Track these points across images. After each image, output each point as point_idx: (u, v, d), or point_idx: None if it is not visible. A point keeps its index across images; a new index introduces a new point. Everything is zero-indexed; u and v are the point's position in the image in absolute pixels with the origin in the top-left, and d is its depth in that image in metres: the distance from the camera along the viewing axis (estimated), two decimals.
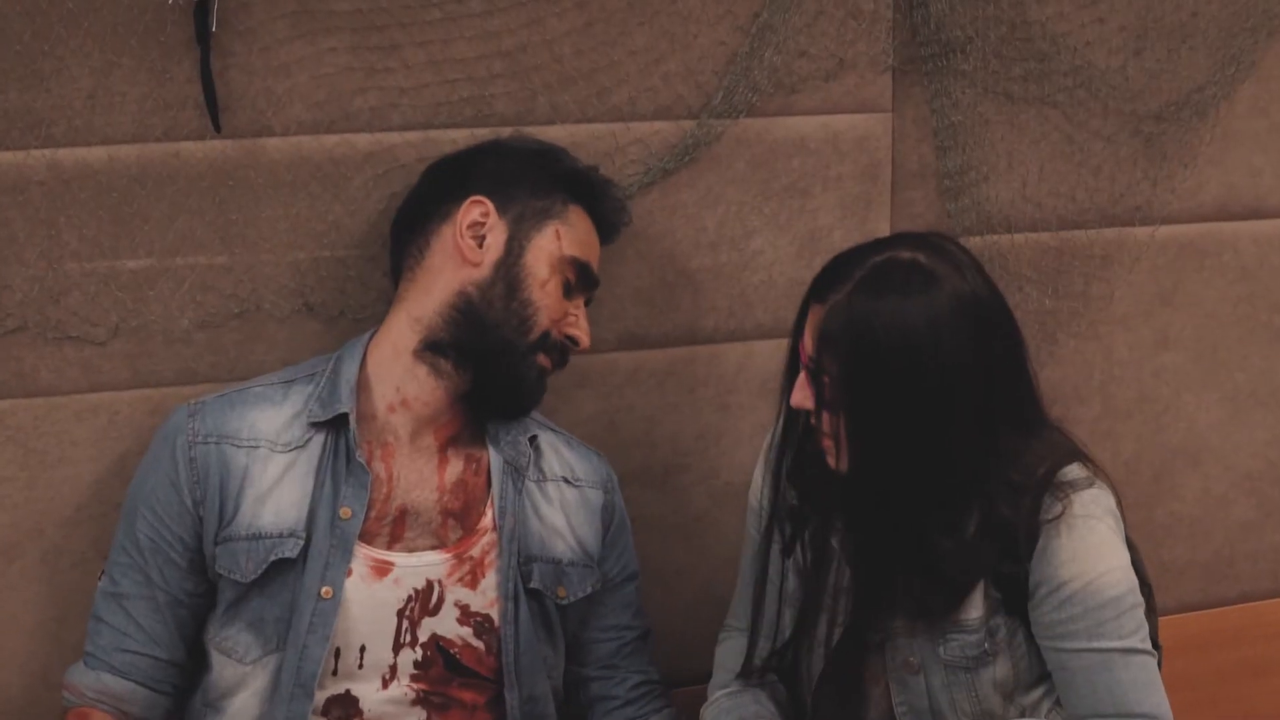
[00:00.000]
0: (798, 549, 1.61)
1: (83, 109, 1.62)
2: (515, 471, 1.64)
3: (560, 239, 1.63)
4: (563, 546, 1.68)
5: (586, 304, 1.69)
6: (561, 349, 1.65)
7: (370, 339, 1.65)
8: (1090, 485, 1.50)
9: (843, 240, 1.89)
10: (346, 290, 1.75)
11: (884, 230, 1.94)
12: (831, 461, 1.51)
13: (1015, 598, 1.52)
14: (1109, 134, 2.02)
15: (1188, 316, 2.15)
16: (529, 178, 1.65)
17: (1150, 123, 2.04)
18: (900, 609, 1.55)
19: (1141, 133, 2.04)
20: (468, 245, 1.61)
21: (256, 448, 1.59)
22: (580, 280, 1.66)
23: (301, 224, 1.72)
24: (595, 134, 1.80)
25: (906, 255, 1.47)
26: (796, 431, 1.58)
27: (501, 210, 1.62)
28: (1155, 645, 1.56)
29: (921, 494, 1.48)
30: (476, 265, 1.61)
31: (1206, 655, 2.21)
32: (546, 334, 1.63)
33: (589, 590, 1.69)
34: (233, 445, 1.59)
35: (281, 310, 1.74)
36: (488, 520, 1.63)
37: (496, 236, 1.62)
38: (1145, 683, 1.48)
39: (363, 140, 1.72)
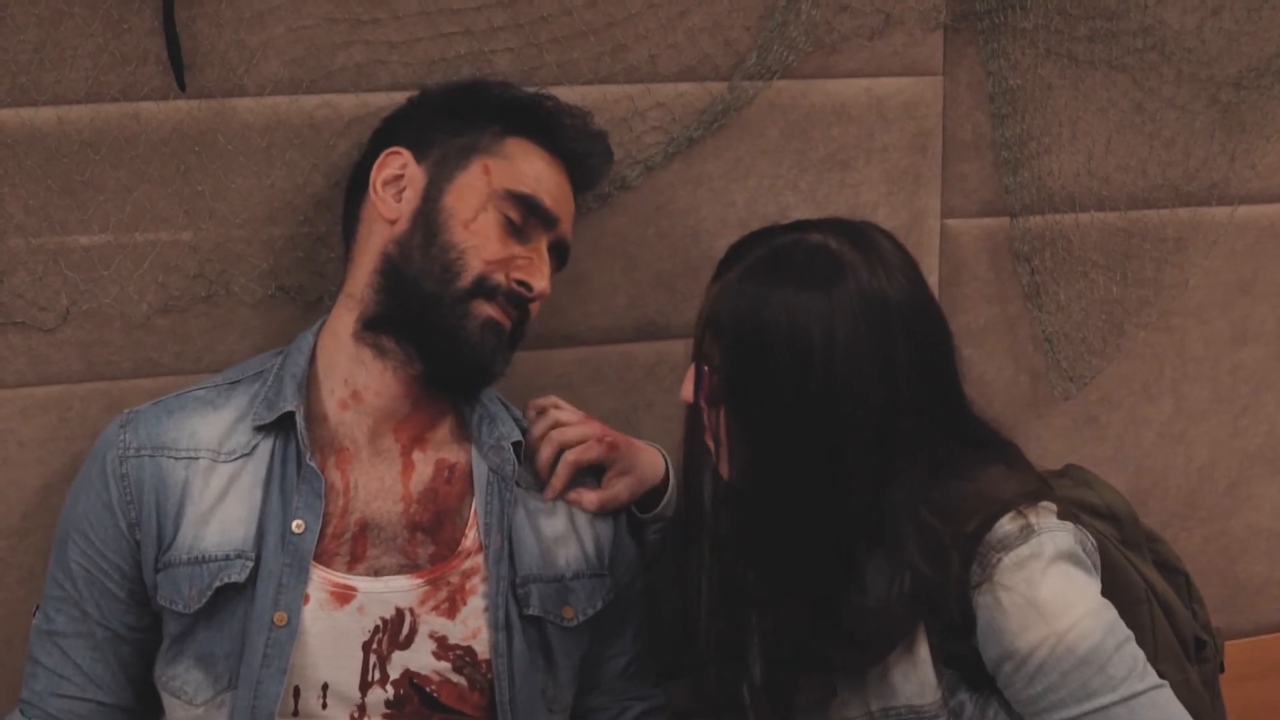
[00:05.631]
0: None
1: (29, 64, 1.56)
2: (502, 481, 1.53)
3: (489, 173, 1.51)
4: (566, 556, 1.56)
5: (554, 252, 1.55)
6: (513, 297, 1.51)
7: (319, 330, 1.57)
8: (1025, 539, 1.35)
9: (887, 218, 1.82)
10: (326, 273, 1.68)
11: (934, 207, 1.89)
12: (720, 466, 1.44)
13: (974, 673, 1.39)
14: (1183, 102, 1.95)
15: (1269, 307, 2.09)
16: (450, 115, 1.54)
17: (1229, 90, 1.97)
18: (799, 659, 1.45)
19: (1219, 101, 1.97)
20: (384, 202, 1.52)
21: (197, 459, 1.49)
22: (528, 217, 1.52)
23: (277, 196, 1.66)
24: (610, 96, 1.73)
25: (815, 239, 1.40)
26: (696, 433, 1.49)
27: (420, 157, 1.53)
28: (1201, 642, 1.49)
29: (807, 524, 1.38)
30: (394, 222, 1.51)
31: None
32: (483, 278, 1.49)
33: (599, 605, 1.57)
34: (170, 457, 1.49)
35: (254, 294, 1.67)
36: (470, 541, 1.51)
37: (415, 186, 1.52)
38: None
39: (347, 102, 1.65)
